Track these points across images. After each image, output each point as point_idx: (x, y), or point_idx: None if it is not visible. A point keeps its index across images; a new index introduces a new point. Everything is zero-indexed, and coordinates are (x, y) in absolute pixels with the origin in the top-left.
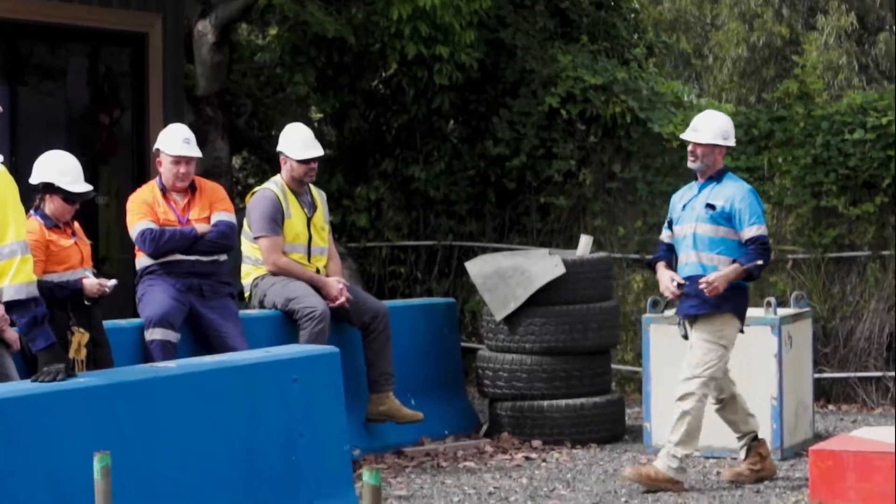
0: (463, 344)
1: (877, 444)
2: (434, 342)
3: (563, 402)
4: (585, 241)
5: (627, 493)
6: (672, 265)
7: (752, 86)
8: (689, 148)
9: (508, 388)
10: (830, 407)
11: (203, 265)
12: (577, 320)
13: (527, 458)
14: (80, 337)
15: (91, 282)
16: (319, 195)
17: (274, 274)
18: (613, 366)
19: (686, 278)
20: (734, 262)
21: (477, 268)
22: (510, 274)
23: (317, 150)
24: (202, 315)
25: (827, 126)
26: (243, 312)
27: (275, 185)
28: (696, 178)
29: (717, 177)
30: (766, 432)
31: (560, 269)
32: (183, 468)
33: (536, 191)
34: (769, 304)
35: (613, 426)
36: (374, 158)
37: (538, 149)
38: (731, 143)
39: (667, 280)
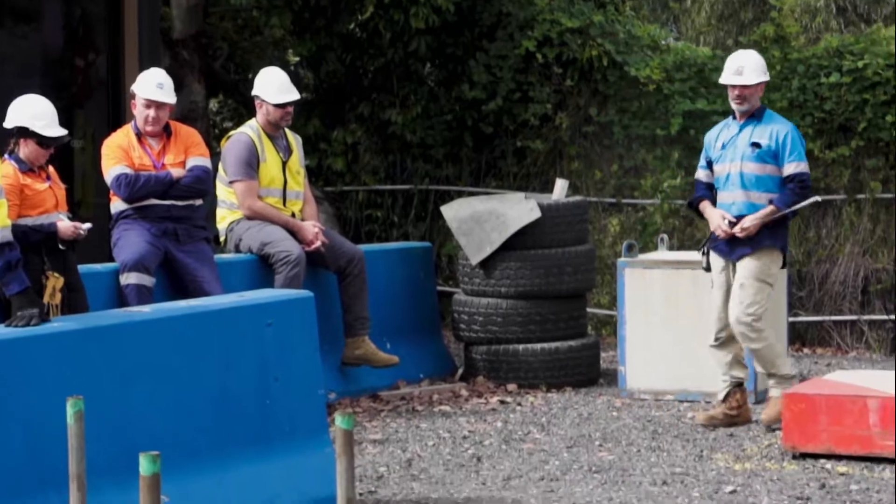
0: (439, 288)
1: (849, 387)
2: (410, 286)
3: (538, 345)
4: (561, 185)
5: (601, 437)
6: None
7: (730, 29)
8: (736, 92)
9: (484, 332)
10: (805, 350)
11: (178, 210)
12: (552, 264)
13: (502, 402)
14: (54, 281)
15: (65, 225)
16: (295, 139)
17: (249, 218)
18: (589, 310)
19: (736, 217)
20: (770, 202)
21: (452, 212)
22: (486, 218)
23: (293, 95)
24: (177, 259)
25: (803, 70)
26: (218, 257)
27: (250, 129)
28: (734, 117)
29: (757, 115)
30: None
31: (536, 213)
32: (157, 412)
33: (513, 134)
34: None
35: (588, 370)
36: (350, 102)
37: (514, 92)
38: (763, 78)
39: (718, 218)
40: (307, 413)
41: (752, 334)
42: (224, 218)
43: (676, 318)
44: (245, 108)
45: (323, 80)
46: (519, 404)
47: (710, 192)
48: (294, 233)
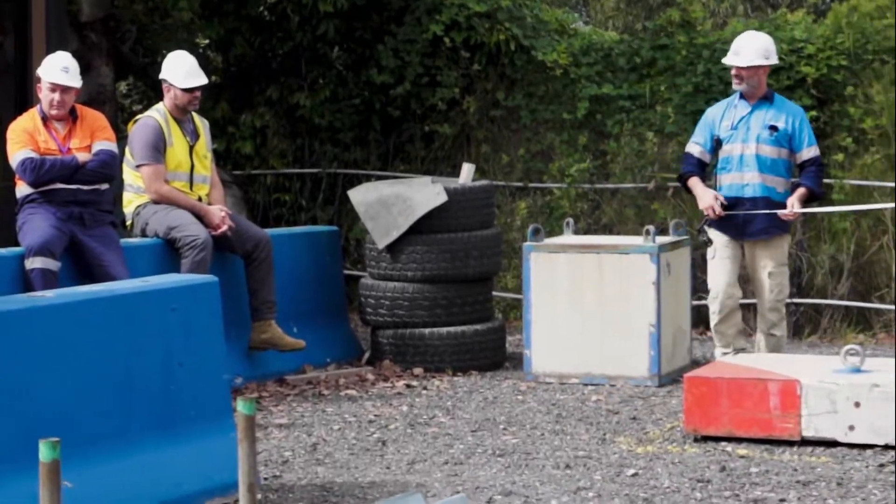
0: (347, 272)
1: (750, 370)
2: (317, 270)
3: (444, 329)
4: (468, 169)
5: (506, 420)
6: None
7: (639, 13)
8: (733, 72)
9: (390, 315)
10: (709, 334)
11: (84, 194)
12: (458, 248)
13: (408, 386)
14: None
15: None
16: (202, 123)
17: (156, 202)
18: (496, 293)
19: (750, 199)
20: (796, 186)
21: (360, 196)
22: (392, 202)
23: (201, 79)
24: (83, 244)
25: (708, 54)
26: (125, 241)
27: (157, 112)
28: (740, 96)
29: (769, 98)
30: (643, 359)
31: (442, 197)
32: (59, 398)
33: (421, 119)
34: (648, 231)
35: (494, 354)
36: (259, 85)
37: (422, 77)
38: (774, 60)
39: (710, 199)
40: (212, 398)
41: (781, 322)
42: (131, 202)
43: (581, 302)
44: (153, 91)
45: (231, 63)
46: (425, 388)
47: (701, 169)
48: (201, 217)
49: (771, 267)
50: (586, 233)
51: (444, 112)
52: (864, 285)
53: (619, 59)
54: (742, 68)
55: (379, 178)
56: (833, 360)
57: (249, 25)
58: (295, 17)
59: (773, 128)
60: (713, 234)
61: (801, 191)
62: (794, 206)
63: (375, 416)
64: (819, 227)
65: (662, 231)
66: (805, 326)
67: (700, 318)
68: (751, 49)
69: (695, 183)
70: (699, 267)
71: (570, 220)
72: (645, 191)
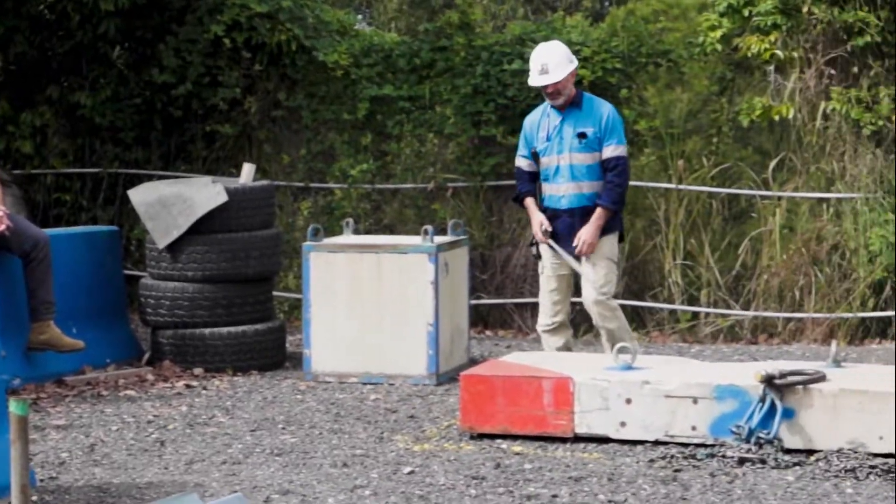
0: (128, 272)
1: (525, 368)
2: (96, 270)
3: (224, 329)
4: (248, 169)
5: (285, 420)
6: (536, 194)
7: (421, 15)
8: (549, 90)
9: (170, 315)
10: (488, 332)
11: None
12: (239, 248)
13: (188, 386)
14: None
15: None
16: None
17: None
18: (277, 293)
19: (566, 210)
20: (597, 205)
21: (139, 196)
22: (172, 202)
23: None
24: None
25: (487, 56)
26: None
27: None
28: (551, 105)
29: (577, 102)
30: (421, 358)
31: (222, 197)
32: None
33: (202, 119)
34: (426, 232)
35: (274, 353)
36: (39, 84)
37: (204, 76)
38: (576, 62)
39: (537, 225)
40: None
41: (607, 313)
42: None
43: (360, 302)
44: None
45: (11, 61)
46: (205, 388)
47: (533, 182)
48: None
49: (594, 260)
50: (368, 233)
51: (225, 112)
52: (638, 284)
53: (399, 60)
54: (557, 83)
55: (160, 177)
56: (606, 358)
57: (29, 23)
58: (75, 16)
59: (582, 135)
60: (543, 249)
61: (596, 213)
62: (586, 238)
63: (154, 416)
64: None
65: (442, 231)
66: (581, 325)
67: (478, 316)
68: (555, 61)
69: (528, 204)
70: (477, 267)
71: (350, 220)
72: (425, 191)
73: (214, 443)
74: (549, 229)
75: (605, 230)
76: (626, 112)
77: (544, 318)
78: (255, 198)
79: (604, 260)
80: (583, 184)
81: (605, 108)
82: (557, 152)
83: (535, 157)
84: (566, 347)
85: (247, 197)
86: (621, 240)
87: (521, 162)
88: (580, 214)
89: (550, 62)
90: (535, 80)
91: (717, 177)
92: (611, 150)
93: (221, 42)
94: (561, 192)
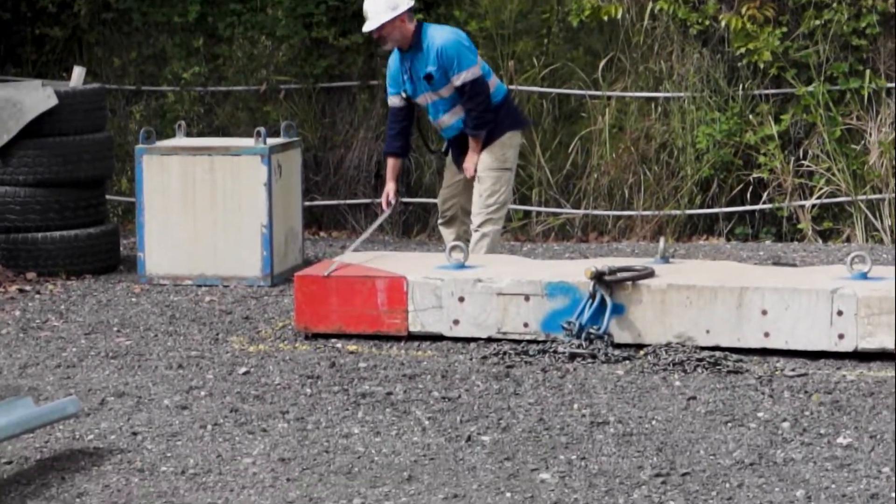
0: None
1: (359, 268)
2: None
3: (57, 233)
4: (78, 73)
5: (119, 323)
6: (407, 141)
7: None
8: (374, 36)
9: (2, 220)
10: (322, 234)
11: None
12: (70, 152)
13: (21, 291)
14: None
15: None
16: None
17: None
18: (110, 197)
19: (453, 140)
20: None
21: None
22: (2, 106)
23: None
24: None
25: None
26: None
27: None
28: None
29: (415, 44)
30: (255, 260)
31: (52, 101)
32: None
33: (31, 21)
34: (258, 133)
35: (108, 257)
36: None
37: None
38: (403, 6)
39: (384, 196)
40: None
41: (487, 221)
42: None
43: (194, 204)
44: None
45: None
46: (38, 293)
47: (403, 125)
48: None
49: (480, 172)
50: (200, 136)
51: (54, 15)
52: None
53: None
54: (378, 30)
55: None
56: (439, 257)
57: None
58: None
59: (428, 76)
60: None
61: (472, 142)
62: (467, 169)
63: None
64: (427, 126)
65: (275, 133)
66: (414, 225)
67: (312, 218)
68: (374, 9)
69: (388, 167)
70: (310, 168)
71: (182, 122)
72: (257, 93)
73: (48, 346)
74: (392, 202)
75: (497, 133)
76: (456, 13)
77: (440, 211)
78: (86, 101)
79: (489, 171)
80: (456, 110)
81: (437, 42)
82: (421, 92)
83: (403, 94)
84: (459, 239)
85: (77, 100)
86: (523, 128)
87: (393, 100)
88: (465, 138)
89: (370, 9)
90: (365, 25)
91: (547, 77)
92: (459, 80)
93: None
94: (442, 125)
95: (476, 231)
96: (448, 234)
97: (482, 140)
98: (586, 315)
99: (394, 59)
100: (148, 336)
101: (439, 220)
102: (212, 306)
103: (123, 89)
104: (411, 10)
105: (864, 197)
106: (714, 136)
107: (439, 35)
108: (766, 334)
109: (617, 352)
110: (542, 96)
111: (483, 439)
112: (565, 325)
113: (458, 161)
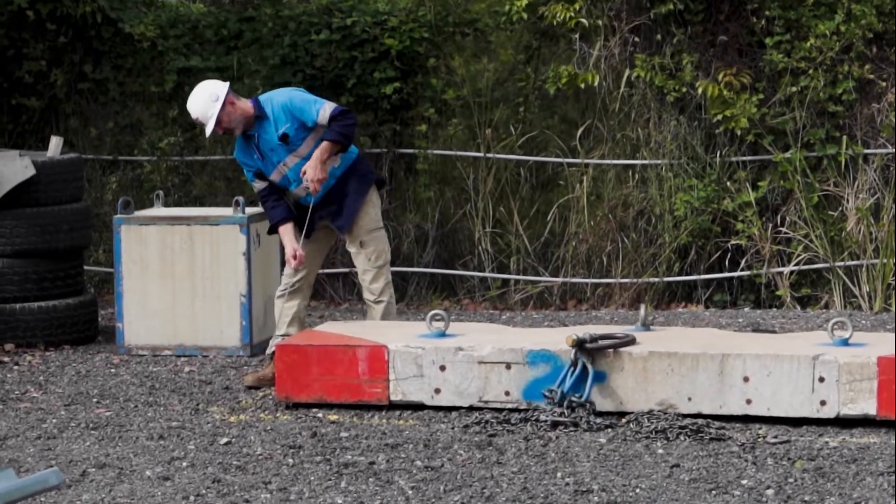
0: None
1: (340, 337)
2: None
3: (35, 304)
4: (56, 143)
5: (99, 393)
6: (288, 205)
7: None
8: (222, 133)
9: None
10: None
11: None
12: (48, 222)
13: None
14: None
15: None
16: None
17: None
18: (88, 267)
19: (319, 202)
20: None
21: None
22: None
23: None
24: None
25: (294, 27)
26: None
27: None
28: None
29: (259, 115)
30: (234, 329)
31: (30, 171)
32: None
33: (8, 92)
34: (237, 202)
35: (87, 328)
36: None
37: (8, 49)
38: (223, 93)
39: (290, 252)
40: None
41: (385, 289)
42: None
43: (172, 274)
44: None
45: None
46: (17, 364)
47: (275, 194)
48: None
49: (361, 237)
50: (178, 206)
51: (31, 85)
52: (448, 253)
53: (206, 31)
54: (219, 128)
55: None
56: (419, 326)
57: None
58: None
59: (284, 137)
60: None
61: (318, 148)
62: (308, 175)
63: None
64: (405, 196)
65: (252, 202)
66: (401, 295)
67: None
68: (201, 113)
69: (282, 232)
70: None
71: (160, 192)
72: (234, 162)
73: (28, 418)
74: (302, 253)
75: (360, 197)
76: (433, 82)
77: (284, 281)
78: (64, 171)
79: (369, 233)
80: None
81: (281, 100)
82: (276, 163)
83: (264, 176)
84: (296, 317)
85: (55, 170)
86: (381, 187)
87: (256, 185)
88: (333, 189)
89: (198, 113)
90: (206, 133)
91: (524, 145)
92: (322, 115)
93: (25, 14)
94: (302, 193)
95: (378, 302)
96: (288, 307)
97: (333, 151)
98: (568, 383)
99: (237, 148)
100: (128, 407)
101: (279, 292)
102: (191, 376)
103: (100, 159)
104: (231, 90)
105: (841, 263)
106: (692, 203)
107: (279, 94)
108: (749, 401)
109: (599, 420)
110: (519, 164)
111: None
112: (547, 394)
113: (336, 228)
